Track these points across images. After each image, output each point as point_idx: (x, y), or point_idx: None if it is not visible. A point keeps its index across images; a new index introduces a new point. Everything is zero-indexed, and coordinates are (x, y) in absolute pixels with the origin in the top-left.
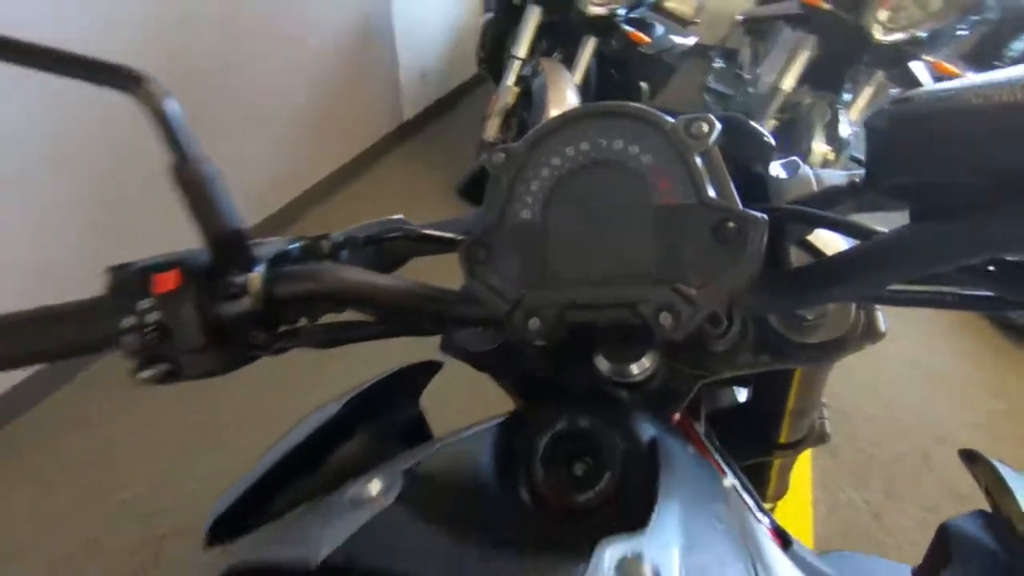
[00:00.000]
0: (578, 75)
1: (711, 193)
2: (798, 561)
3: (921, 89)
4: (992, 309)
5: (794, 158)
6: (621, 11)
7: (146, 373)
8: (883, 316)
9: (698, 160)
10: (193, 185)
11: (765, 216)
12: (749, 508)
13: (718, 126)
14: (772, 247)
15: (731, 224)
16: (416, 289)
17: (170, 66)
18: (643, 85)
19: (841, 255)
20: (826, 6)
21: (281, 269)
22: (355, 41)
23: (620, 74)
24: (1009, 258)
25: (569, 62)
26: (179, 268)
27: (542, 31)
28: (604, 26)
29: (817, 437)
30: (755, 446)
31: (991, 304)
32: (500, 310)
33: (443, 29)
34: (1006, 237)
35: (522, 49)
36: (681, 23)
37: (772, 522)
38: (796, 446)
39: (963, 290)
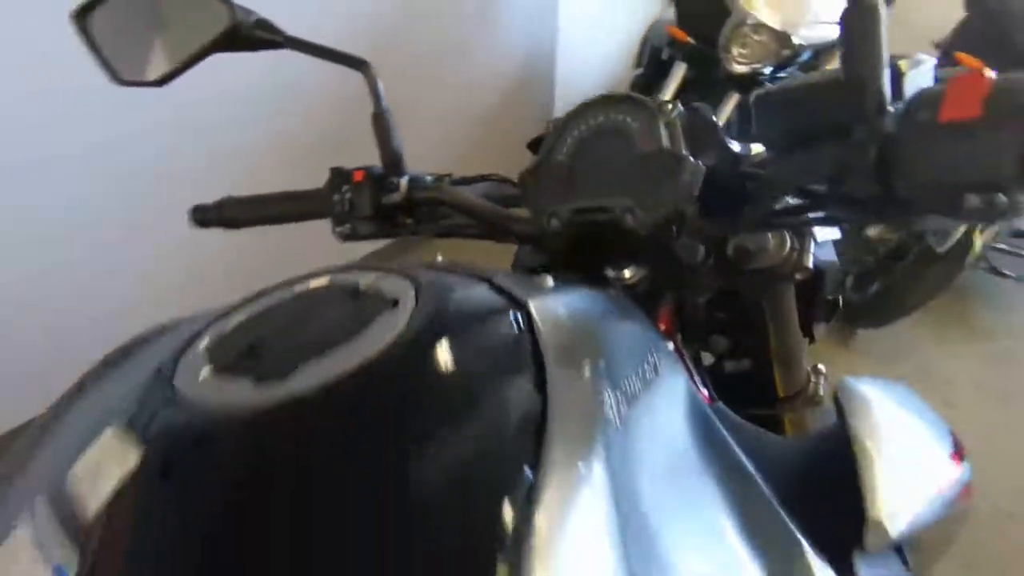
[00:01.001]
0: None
1: (667, 145)
2: (717, 412)
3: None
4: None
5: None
6: (766, 70)
7: (338, 229)
8: (812, 257)
9: (662, 126)
10: (383, 126)
11: (699, 162)
12: (688, 369)
13: (679, 108)
14: (728, 193)
15: (675, 164)
16: (496, 208)
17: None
18: None
19: (741, 189)
20: (990, 73)
21: (419, 181)
22: (518, 84)
23: None
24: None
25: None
26: (365, 170)
27: (686, 85)
28: (747, 84)
29: (809, 398)
30: (759, 398)
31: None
32: (534, 214)
33: (598, 82)
34: (808, 171)
35: (667, 93)
36: None
37: (710, 392)
38: (794, 400)
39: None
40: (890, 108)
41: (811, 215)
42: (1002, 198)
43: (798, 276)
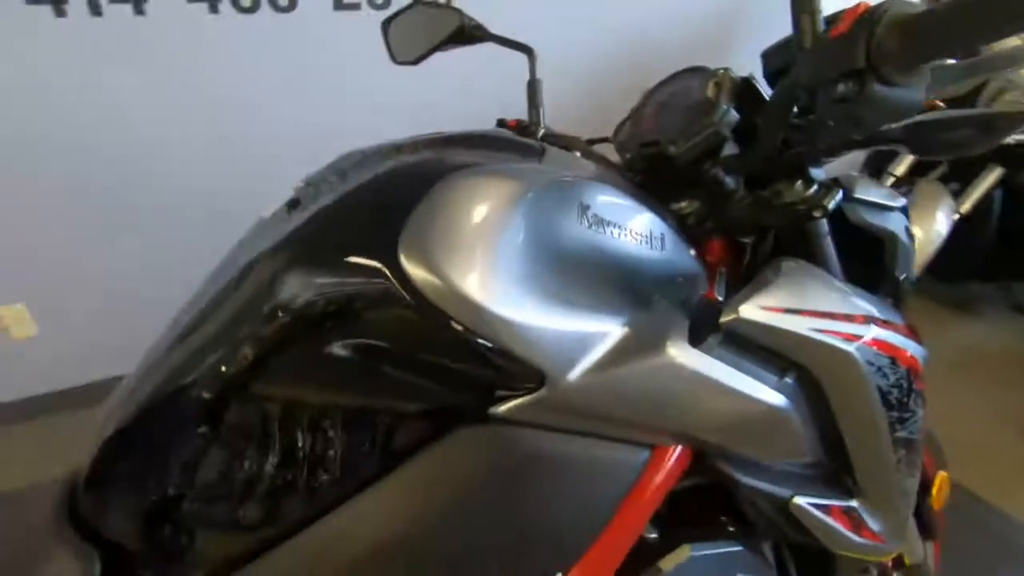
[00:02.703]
0: (968, 202)
1: (710, 96)
2: (704, 301)
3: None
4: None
5: None
6: None
7: None
8: (835, 199)
9: (712, 84)
10: (532, 92)
11: (731, 109)
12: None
13: (732, 73)
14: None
15: (711, 108)
16: (597, 152)
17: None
18: None
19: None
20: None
21: (550, 131)
22: None
23: None
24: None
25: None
26: (517, 121)
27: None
28: (1015, 156)
29: None
30: None
31: None
32: (617, 151)
33: None
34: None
35: (900, 168)
36: None
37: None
38: None
39: None
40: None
41: (798, 148)
42: (853, 85)
43: (815, 214)
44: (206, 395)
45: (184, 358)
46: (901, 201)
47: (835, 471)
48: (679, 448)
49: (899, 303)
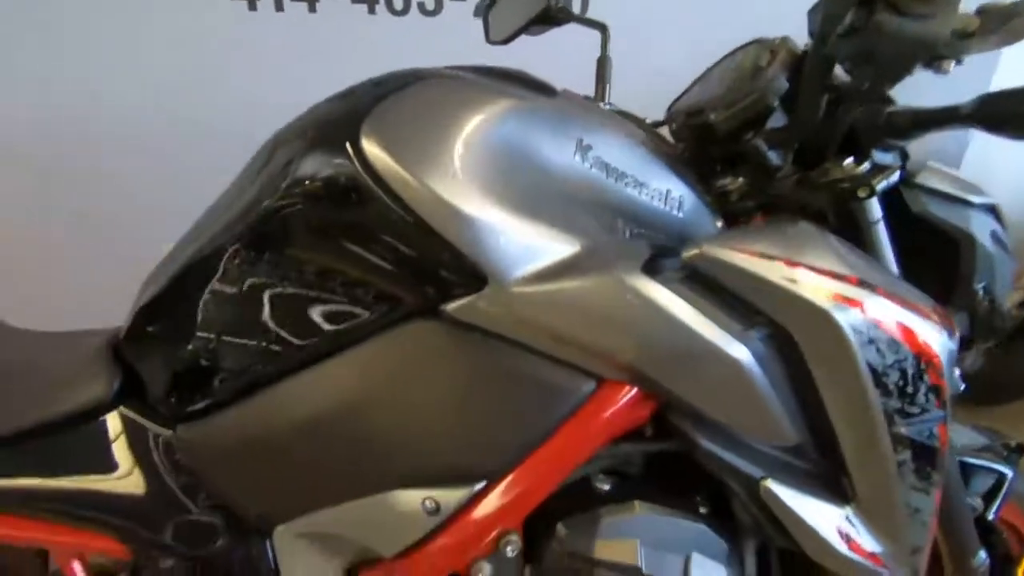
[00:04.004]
0: None
1: (761, 64)
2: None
3: None
4: None
5: None
6: None
7: None
8: (888, 180)
9: (767, 52)
10: (602, 68)
11: (781, 78)
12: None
13: (790, 43)
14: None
15: (757, 74)
16: (652, 129)
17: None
18: None
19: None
20: None
21: (613, 108)
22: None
23: None
24: None
25: None
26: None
27: None
28: None
29: None
30: None
31: None
32: (667, 122)
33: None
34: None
35: None
36: None
37: None
38: None
39: None
40: None
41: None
42: (861, 13)
43: (860, 194)
44: (211, 271)
45: (207, 236)
46: (986, 198)
47: (832, 471)
48: (633, 390)
49: (977, 319)
